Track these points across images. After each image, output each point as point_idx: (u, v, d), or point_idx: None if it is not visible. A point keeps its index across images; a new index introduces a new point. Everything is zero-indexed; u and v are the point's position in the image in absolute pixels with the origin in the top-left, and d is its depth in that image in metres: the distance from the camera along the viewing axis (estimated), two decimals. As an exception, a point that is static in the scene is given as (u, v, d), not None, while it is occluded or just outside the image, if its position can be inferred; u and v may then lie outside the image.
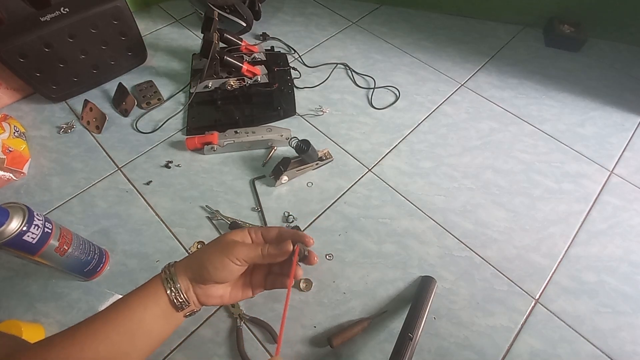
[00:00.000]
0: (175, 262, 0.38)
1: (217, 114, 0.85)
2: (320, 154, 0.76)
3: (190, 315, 0.38)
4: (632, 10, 0.98)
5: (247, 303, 0.61)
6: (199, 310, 0.39)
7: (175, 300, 0.36)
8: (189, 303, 0.36)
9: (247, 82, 0.88)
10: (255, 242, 0.40)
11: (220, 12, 0.94)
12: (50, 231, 0.50)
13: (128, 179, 0.75)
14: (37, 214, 0.49)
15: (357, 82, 0.94)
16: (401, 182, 0.76)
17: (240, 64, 0.85)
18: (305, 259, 0.39)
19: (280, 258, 0.37)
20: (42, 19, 0.74)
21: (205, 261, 0.37)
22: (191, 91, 0.88)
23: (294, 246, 0.38)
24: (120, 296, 0.61)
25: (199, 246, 0.66)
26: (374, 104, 0.90)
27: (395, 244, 0.68)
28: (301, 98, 0.90)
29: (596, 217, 0.73)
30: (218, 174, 0.76)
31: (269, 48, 0.99)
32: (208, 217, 0.70)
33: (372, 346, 0.58)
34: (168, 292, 0.36)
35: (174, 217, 0.70)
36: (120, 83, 0.87)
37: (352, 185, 0.76)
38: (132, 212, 0.70)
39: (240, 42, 0.93)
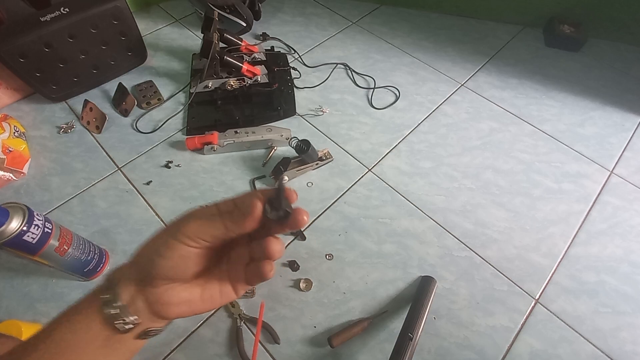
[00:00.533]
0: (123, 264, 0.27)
1: (217, 114, 0.85)
2: (320, 154, 0.76)
3: (147, 335, 0.27)
4: (632, 10, 0.98)
5: (247, 303, 0.61)
6: (161, 328, 0.27)
7: (110, 317, 0.24)
8: (133, 318, 0.25)
9: (247, 82, 0.88)
10: (219, 212, 0.26)
11: (220, 12, 0.94)
12: (50, 231, 0.50)
13: (128, 179, 0.75)
14: (37, 214, 0.49)
15: (357, 82, 0.94)
16: (401, 182, 0.76)
17: (240, 64, 0.85)
18: (288, 216, 0.25)
19: (249, 223, 0.24)
20: (42, 19, 0.74)
21: (149, 250, 0.25)
22: (191, 91, 0.88)
23: (265, 205, 0.25)
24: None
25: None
26: (374, 104, 0.90)
27: (395, 244, 0.68)
28: (301, 98, 0.90)
29: (596, 217, 0.73)
30: (218, 174, 0.76)
31: (269, 48, 0.99)
32: (208, 217, 0.70)
33: (372, 346, 0.58)
34: (101, 305, 0.24)
35: (174, 217, 0.69)
36: (120, 83, 0.87)
37: (352, 185, 0.76)
38: (132, 212, 0.70)
39: (240, 42, 0.93)
